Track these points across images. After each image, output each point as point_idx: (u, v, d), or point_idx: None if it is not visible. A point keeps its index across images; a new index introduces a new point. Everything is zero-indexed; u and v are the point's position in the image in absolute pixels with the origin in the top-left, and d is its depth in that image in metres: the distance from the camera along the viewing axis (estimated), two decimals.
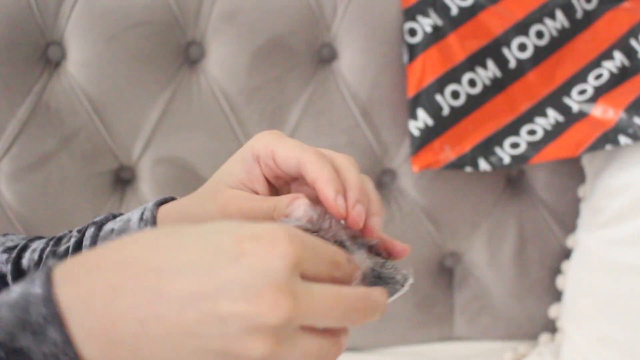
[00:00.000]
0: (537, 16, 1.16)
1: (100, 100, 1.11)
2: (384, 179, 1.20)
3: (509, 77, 1.17)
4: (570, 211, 1.21)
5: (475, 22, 1.16)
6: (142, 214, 0.62)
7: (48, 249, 0.65)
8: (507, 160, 1.15)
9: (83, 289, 0.42)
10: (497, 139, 1.16)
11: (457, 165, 1.15)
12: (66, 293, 0.42)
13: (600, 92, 1.15)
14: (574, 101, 1.16)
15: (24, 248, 0.67)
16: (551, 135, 1.15)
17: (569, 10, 1.17)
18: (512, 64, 1.17)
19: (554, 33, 1.17)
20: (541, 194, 1.21)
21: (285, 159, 0.55)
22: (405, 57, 1.15)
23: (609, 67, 1.16)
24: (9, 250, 0.67)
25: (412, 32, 1.15)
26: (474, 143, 1.16)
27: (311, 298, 0.42)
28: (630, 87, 1.14)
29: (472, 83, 1.16)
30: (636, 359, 1.10)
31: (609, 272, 1.13)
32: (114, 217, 0.65)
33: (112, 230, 0.63)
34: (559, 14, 1.17)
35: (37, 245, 0.66)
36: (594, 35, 1.18)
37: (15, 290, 0.43)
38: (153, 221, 0.61)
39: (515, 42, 1.16)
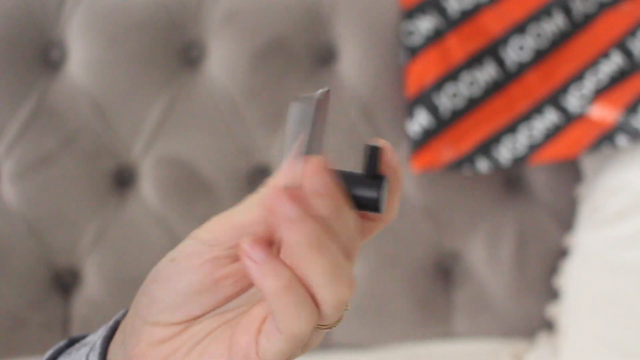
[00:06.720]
0: (536, 17, 1.17)
1: (101, 101, 1.12)
2: None
3: (508, 77, 1.17)
4: (568, 210, 1.21)
5: (475, 22, 1.16)
6: None
7: None
8: (506, 160, 1.15)
9: None
10: (496, 139, 1.17)
11: (457, 165, 1.16)
12: None
13: (598, 93, 1.15)
14: (572, 102, 1.16)
15: None
16: (550, 135, 1.15)
17: (567, 11, 1.18)
18: (511, 64, 1.17)
19: (553, 34, 1.18)
20: (540, 193, 1.22)
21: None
22: (405, 58, 1.16)
23: (607, 67, 1.16)
24: None
25: (411, 33, 1.15)
26: (473, 143, 1.16)
27: None
28: (628, 87, 1.15)
29: (471, 84, 1.16)
30: (636, 359, 1.10)
31: (608, 271, 1.13)
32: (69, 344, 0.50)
33: None
34: (558, 15, 1.18)
35: None
36: (592, 36, 1.18)
37: None
38: None
39: (514, 42, 1.17)
